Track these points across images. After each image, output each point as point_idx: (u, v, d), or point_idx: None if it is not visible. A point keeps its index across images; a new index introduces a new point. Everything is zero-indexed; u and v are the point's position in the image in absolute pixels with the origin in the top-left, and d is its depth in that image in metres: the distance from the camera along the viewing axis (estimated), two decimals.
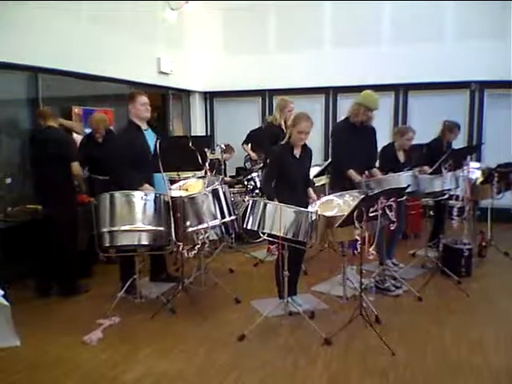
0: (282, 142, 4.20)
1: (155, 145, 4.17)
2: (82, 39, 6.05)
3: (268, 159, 4.53)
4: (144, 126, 4.61)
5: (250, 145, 7.90)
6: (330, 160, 5.76)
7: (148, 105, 4.59)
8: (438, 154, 5.18)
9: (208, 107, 9.48)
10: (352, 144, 4.76)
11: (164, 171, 4.16)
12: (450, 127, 5.75)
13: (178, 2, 6.69)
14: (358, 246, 3.70)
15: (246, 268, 5.68)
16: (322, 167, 6.17)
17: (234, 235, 5.96)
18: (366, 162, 5.00)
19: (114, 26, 6.71)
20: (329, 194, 4.56)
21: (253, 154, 7.65)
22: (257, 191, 6.56)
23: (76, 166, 4.67)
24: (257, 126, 8.02)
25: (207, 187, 4.39)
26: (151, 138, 4.56)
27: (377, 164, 5.24)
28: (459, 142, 6.68)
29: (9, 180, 4.99)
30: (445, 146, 5.80)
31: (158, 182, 4.42)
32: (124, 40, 6.90)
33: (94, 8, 6.23)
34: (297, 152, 4.19)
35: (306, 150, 4.28)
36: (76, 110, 6.20)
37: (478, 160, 7.28)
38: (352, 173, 4.71)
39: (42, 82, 5.71)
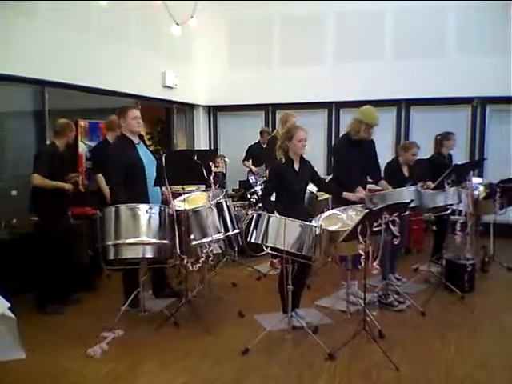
0: (282, 159, 4.21)
1: (160, 158, 4.19)
2: (88, 53, 6.14)
3: (269, 173, 4.55)
4: (136, 140, 4.56)
5: (250, 160, 7.93)
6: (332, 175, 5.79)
7: (140, 118, 4.53)
8: (440, 169, 5.21)
9: (211, 121, 9.55)
10: (353, 159, 4.78)
11: (169, 184, 4.19)
12: (446, 136, 5.85)
13: (184, 16, 6.78)
14: (362, 261, 3.71)
15: (248, 282, 5.68)
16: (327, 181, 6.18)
17: (236, 249, 5.98)
18: (369, 174, 5.04)
19: (120, 41, 6.80)
20: (332, 209, 4.57)
21: (255, 169, 7.68)
22: (260, 205, 6.58)
23: (35, 178, 4.55)
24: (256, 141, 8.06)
25: (211, 200, 4.41)
26: (143, 152, 4.54)
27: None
28: (461, 158, 6.73)
29: (14, 192, 5.03)
30: (446, 158, 5.85)
31: (154, 195, 4.46)
32: (129, 54, 6.99)
33: (100, 22, 6.33)
34: (296, 165, 4.23)
35: (305, 163, 4.32)
36: (81, 123, 6.26)
37: (481, 175, 7.30)
38: (359, 190, 4.70)
39: (48, 95, 5.78)
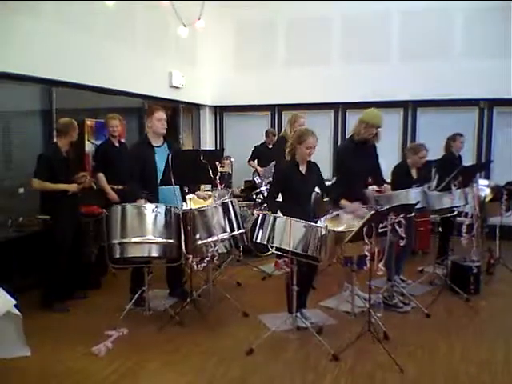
0: (287, 159, 4.23)
1: (167, 159, 4.21)
2: (96, 53, 6.16)
3: (274, 175, 4.55)
4: (158, 143, 4.61)
5: (256, 160, 7.94)
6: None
7: (165, 120, 4.59)
8: (450, 169, 5.18)
9: (218, 121, 9.57)
10: (356, 162, 4.67)
11: (176, 184, 4.21)
12: (453, 137, 5.93)
13: (191, 18, 6.80)
14: (367, 262, 3.70)
15: (253, 282, 5.68)
16: (331, 183, 6.18)
17: (241, 248, 5.98)
18: (372, 180, 5.05)
19: (128, 41, 6.82)
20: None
21: (260, 170, 7.68)
22: (265, 205, 6.58)
23: (33, 182, 4.60)
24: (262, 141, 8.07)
25: (217, 200, 4.42)
26: (163, 155, 4.48)
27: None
28: (468, 159, 6.71)
29: (21, 190, 5.06)
30: (456, 158, 5.86)
31: (167, 195, 4.46)
32: (137, 54, 7.01)
33: (107, 23, 6.35)
34: (302, 168, 4.23)
35: (311, 166, 4.31)
36: (89, 122, 6.29)
37: (487, 177, 7.27)
38: (344, 202, 4.47)
39: (55, 94, 5.80)
